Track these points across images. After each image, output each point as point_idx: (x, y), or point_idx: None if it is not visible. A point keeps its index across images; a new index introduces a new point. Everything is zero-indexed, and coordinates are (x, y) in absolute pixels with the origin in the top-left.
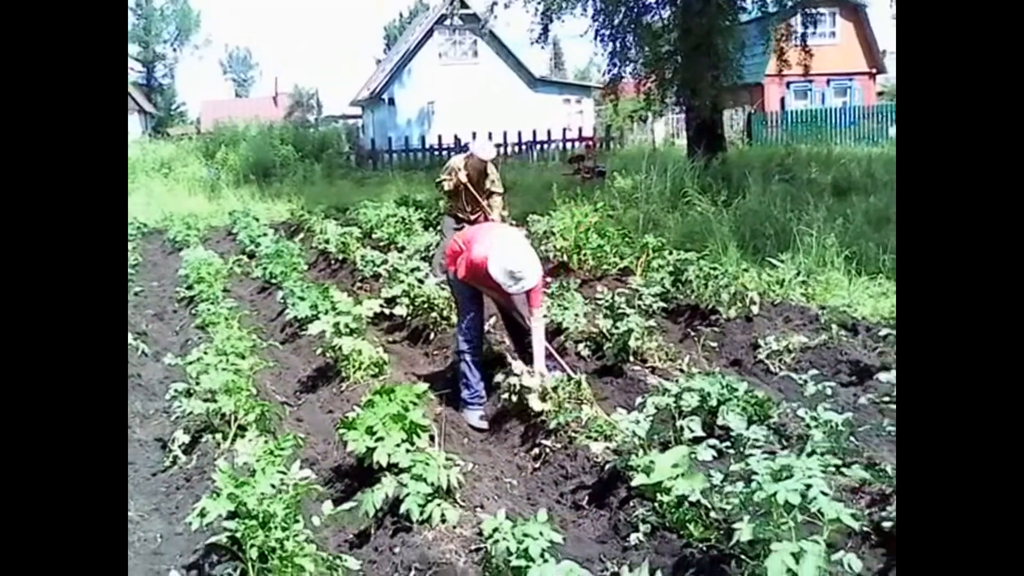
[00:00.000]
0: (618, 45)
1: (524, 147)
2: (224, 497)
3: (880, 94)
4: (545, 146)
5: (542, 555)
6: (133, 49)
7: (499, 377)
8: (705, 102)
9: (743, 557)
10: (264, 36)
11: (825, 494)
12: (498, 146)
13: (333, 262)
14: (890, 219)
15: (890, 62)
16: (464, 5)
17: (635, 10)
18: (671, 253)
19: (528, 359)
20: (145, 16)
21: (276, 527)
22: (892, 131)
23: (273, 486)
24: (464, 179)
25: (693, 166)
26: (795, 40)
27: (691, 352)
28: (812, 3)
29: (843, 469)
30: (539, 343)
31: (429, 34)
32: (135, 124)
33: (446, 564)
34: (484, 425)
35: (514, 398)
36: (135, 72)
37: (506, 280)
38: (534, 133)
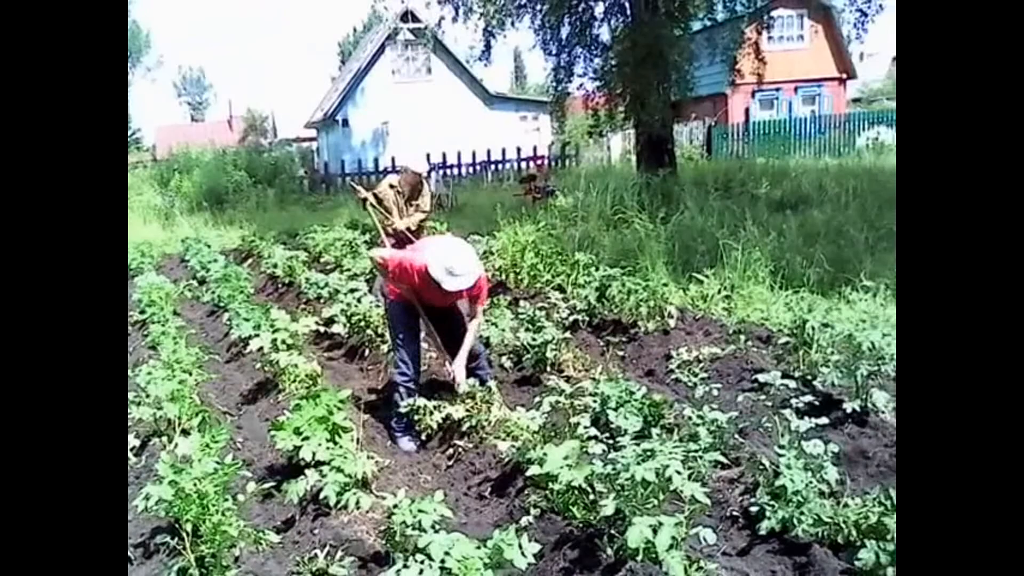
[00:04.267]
0: (563, 60)
1: (478, 167)
2: (165, 483)
3: (856, 100)
4: (500, 166)
5: (433, 527)
6: None
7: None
8: (654, 117)
9: (612, 532)
10: (217, 56)
11: (679, 474)
12: (451, 167)
13: (280, 285)
14: (820, 233)
15: (864, 66)
16: (415, 19)
17: (581, 22)
18: (598, 270)
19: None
20: None
21: (208, 504)
22: (860, 141)
23: (206, 473)
24: (372, 197)
25: (636, 183)
26: (752, 47)
27: (608, 363)
28: (771, 8)
29: (721, 460)
30: (467, 343)
31: (381, 51)
32: None
33: (356, 540)
34: (414, 447)
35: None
36: None
37: (444, 277)
38: (488, 153)
